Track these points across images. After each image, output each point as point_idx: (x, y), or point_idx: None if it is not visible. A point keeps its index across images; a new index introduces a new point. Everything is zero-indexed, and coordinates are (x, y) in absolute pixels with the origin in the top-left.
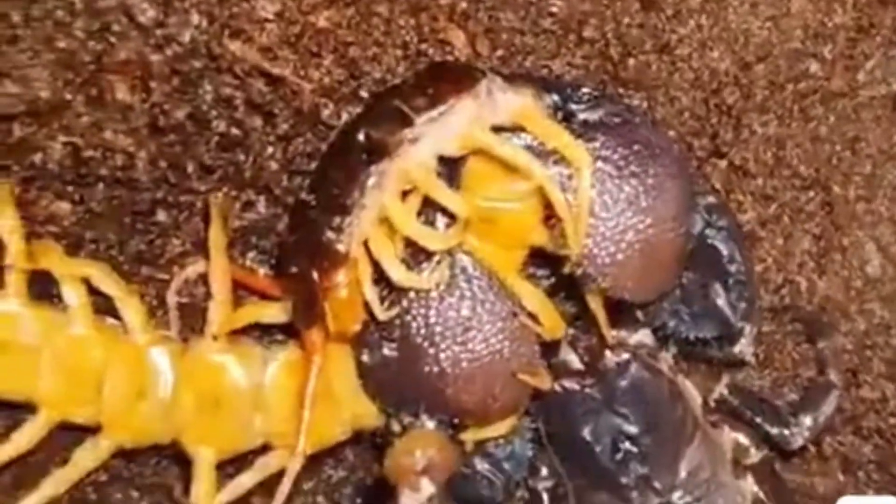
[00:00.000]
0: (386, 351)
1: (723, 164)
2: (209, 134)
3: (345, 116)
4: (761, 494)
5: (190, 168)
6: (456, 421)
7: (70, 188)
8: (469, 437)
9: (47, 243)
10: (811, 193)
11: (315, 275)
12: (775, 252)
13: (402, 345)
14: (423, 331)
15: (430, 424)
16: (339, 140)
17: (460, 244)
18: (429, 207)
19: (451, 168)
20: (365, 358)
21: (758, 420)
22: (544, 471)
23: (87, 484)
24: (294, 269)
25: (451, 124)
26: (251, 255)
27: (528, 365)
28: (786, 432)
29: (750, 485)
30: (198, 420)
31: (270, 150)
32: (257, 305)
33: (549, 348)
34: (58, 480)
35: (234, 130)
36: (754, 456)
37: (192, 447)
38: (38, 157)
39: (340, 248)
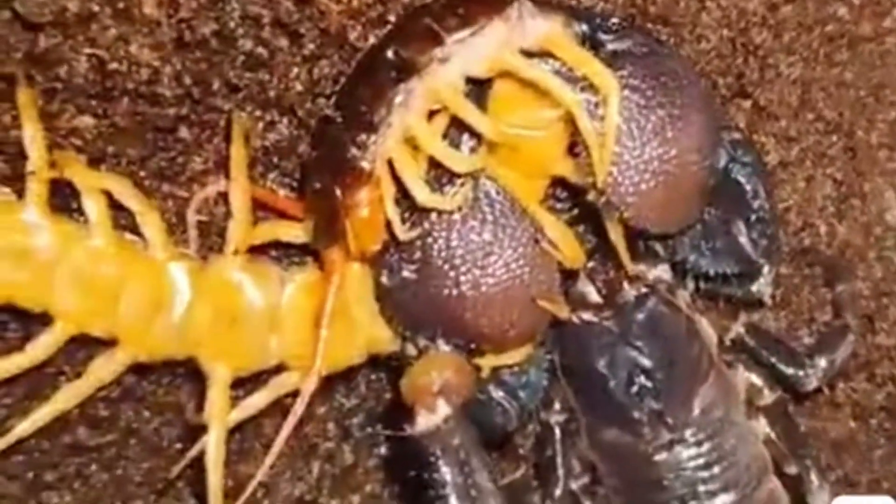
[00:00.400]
0: (405, 273)
1: (747, 104)
2: (235, 52)
3: (371, 39)
4: (773, 436)
5: (215, 85)
6: (472, 346)
7: (93, 102)
8: (484, 363)
9: (70, 154)
10: (834, 138)
11: (337, 191)
12: (796, 195)
13: (422, 267)
14: (443, 253)
15: (447, 349)
16: (367, 57)
17: (484, 169)
18: (453, 130)
19: (476, 95)
20: (384, 279)
21: (773, 360)
22: (557, 404)
23: (99, 400)
24: (316, 186)
25: (481, 46)
26: (272, 175)
27: (547, 292)
28: (800, 374)
29: (762, 426)
30: (214, 337)
31: (296, 70)
32: (277, 224)
33: (567, 280)
34: (71, 393)
35: (260, 49)
36: (768, 397)
37: (207, 364)
38: (62, 70)
39: (364, 165)
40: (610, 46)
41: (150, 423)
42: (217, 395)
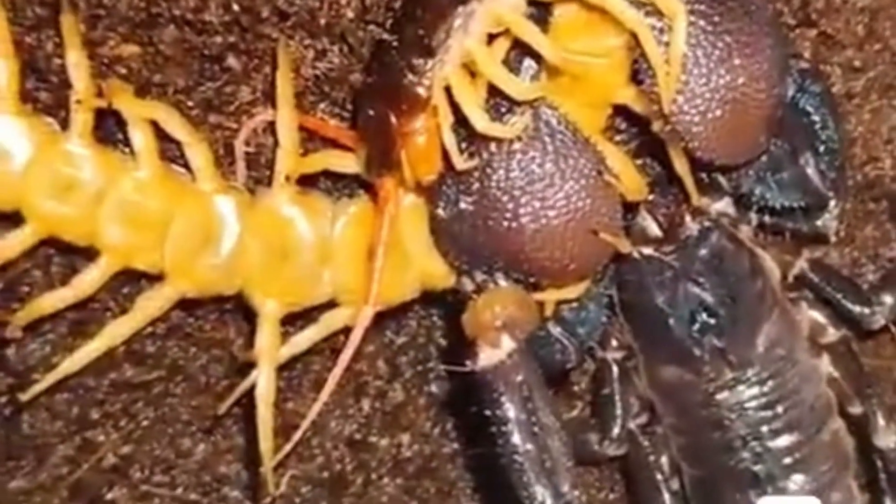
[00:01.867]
0: (462, 204)
1: (812, 33)
2: None
3: None
4: (836, 374)
5: (263, 13)
6: (531, 280)
7: (138, 30)
8: (543, 298)
9: (117, 82)
10: None
11: (393, 119)
12: (861, 127)
13: (480, 198)
14: (502, 184)
15: (504, 283)
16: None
17: (545, 97)
18: (514, 56)
19: (537, 21)
20: (440, 211)
21: (838, 298)
22: (615, 342)
23: (146, 336)
24: (370, 113)
25: None
26: (323, 105)
27: (608, 225)
28: (866, 311)
29: (825, 364)
30: (263, 272)
31: None
32: (328, 153)
33: (628, 214)
34: (117, 329)
35: None
36: (832, 335)
37: (256, 299)
38: None
39: (421, 91)
40: None
41: (197, 360)
42: (267, 331)
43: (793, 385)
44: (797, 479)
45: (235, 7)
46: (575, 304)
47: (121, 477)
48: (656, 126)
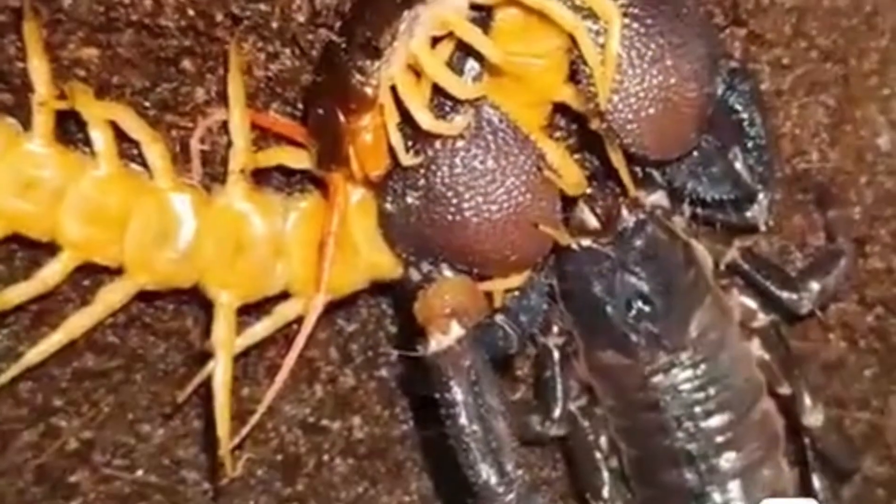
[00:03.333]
0: (409, 199)
1: (742, 32)
2: None
3: None
4: (766, 357)
5: (217, 17)
6: (475, 271)
7: (97, 34)
8: (486, 287)
9: (79, 84)
10: (827, 66)
11: (341, 116)
12: (789, 122)
13: (426, 193)
14: (447, 180)
15: (450, 273)
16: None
17: (486, 97)
18: (456, 58)
19: (479, 26)
20: (387, 205)
21: (767, 284)
22: (555, 328)
23: (106, 326)
24: (320, 112)
25: None
26: (275, 105)
27: (549, 218)
28: (794, 297)
29: (756, 347)
30: (219, 266)
31: (297, 2)
32: (279, 149)
33: (566, 208)
34: (79, 321)
35: None
36: (761, 320)
37: (212, 291)
38: (66, 2)
39: (368, 91)
40: None
41: (156, 349)
42: (223, 322)
43: (724, 368)
44: (729, 457)
45: (190, 12)
46: (517, 294)
47: (83, 461)
48: (593, 123)
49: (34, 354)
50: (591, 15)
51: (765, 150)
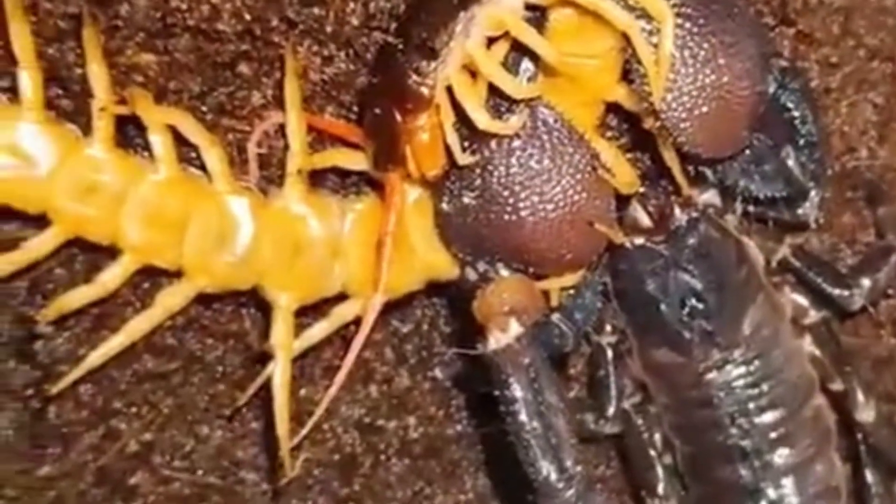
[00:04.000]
0: (465, 199)
1: (791, 31)
2: None
3: None
4: (818, 353)
5: (273, 22)
6: (531, 270)
7: (154, 39)
8: (542, 286)
9: (138, 89)
10: (875, 63)
11: (398, 116)
12: (838, 120)
13: (482, 193)
14: (503, 179)
15: (505, 273)
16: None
17: (541, 97)
18: (511, 58)
19: (534, 26)
20: (444, 205)
21: (818, 281)
22: (609, 327)
23: (165, 329)
24: (376, 112)
25: None
26: (330, 108)
27: (603, 217)
28: (846, 294)
29: (808, 344)
30: (277, 268)
31: (352, 5)
32: (336, 151)
33: (620, 207)
34: (140, 324)
35: None
36: (813, 316)
37: (271, 293)
38: (123, 8)
39: (425, 91)
40: None
41: (214, 351)
42: (282, 323)
43: (777, 364)
44: (782, 453)
45: (247, 16)
46: (572, 292)
47: (143, 463)
48: (647, 122)
49: (95, 357)
50: (645, 15)
51: (816, 148)
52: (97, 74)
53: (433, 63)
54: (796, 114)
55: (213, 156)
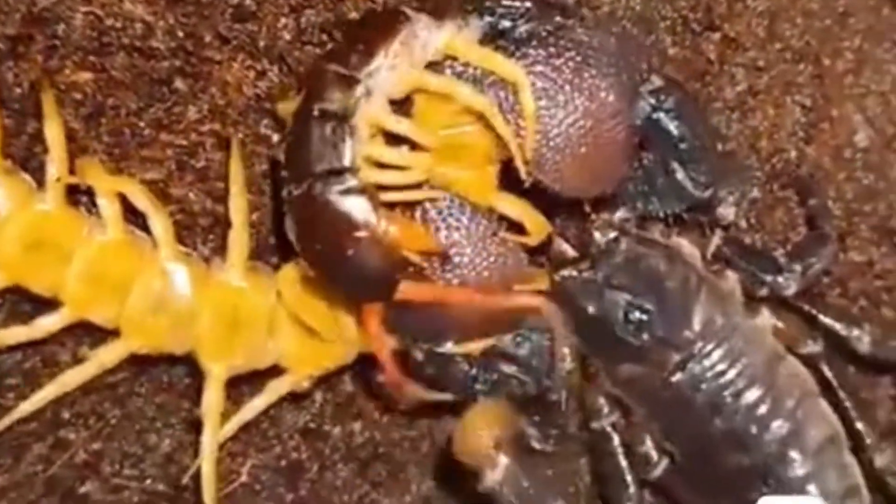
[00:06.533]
0: None
1: (716, 36)
2: (224, 5)
3: None
4: (779, 324)
5: (206, 38)
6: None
7: (91, 57)
8: (473, 347)
9: (90, 159)
10: (801, 66)
11: None
12: (766, 122)
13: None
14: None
15: (450, 346)
16: (302, 117)
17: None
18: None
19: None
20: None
21: (752, 269)
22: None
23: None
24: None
25: (390, 71)
26: (265, 122)
27: (519, 274)
28: (779, 279)
29: (766, 318)
30: (213, 337)
31: (283, 21)
32: None
33: (543, 245)
34: (72, 376)
35: (248, 1)
36: (764, 290)
37: (205, 362)
38: (60, 28)
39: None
40: (515, 33)
41: (160, 361)
42: (213, 391)
43: (739, 348)
44: (776, 424)
45: (180, 33)
46: (518, 339)
47: (92, 472)
48: (525, 180)
49: (28, 405)
50: (502, 80)
51: (702, 158)
52: (54, 141)
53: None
54: (675, 131)
55: (159, 223)
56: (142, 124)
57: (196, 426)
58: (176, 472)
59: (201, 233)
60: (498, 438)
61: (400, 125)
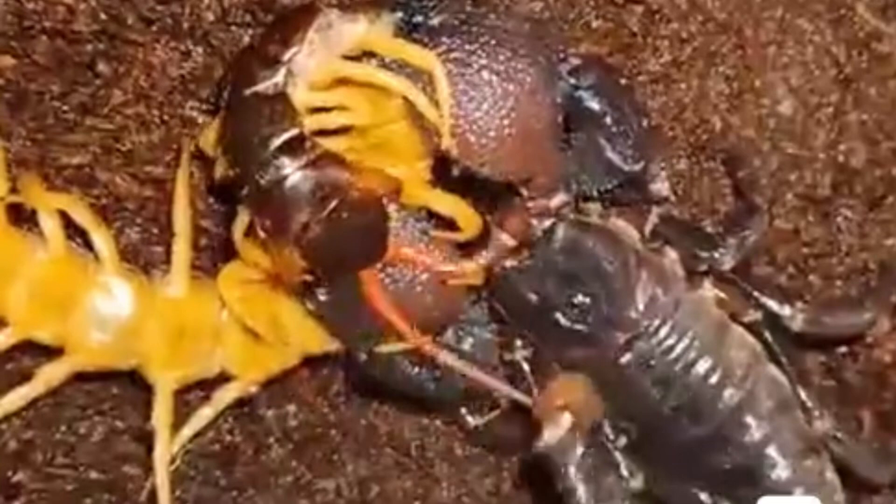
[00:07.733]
0: (321, 297)
1: (639, 9)
2: None
3: None
4: (722, 295)
5: (129, 20)
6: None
7: (13, 42)
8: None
9: (31, 177)
10: (724, 37)
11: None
12: (691, 93)
13: (331, 289)
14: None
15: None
16: (237, 111)
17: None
18: None
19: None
20: (308, 304)
21: (688, 246)
22: (518, 342)
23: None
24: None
25: (309, 58)
26: (190, 103)
27: (452, 271)
28: (715, 255)
29: (708, 290)
30: (158, 350)
31: (206, 1)
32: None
33: (483, 237)
34: (17, 396)
35: None
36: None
37: (152, 374)
38: None
39: None
40: (426, 24)
41: None
42: (162, 403)
43: (685, 323)
44: (728, 393)
45: (103, 16)
46: (460, 334)
47: (24, 461)
48: (453, 167)
49: None
50: (418, 70)
51: (628, 132)
52: None
53: None
54: (597, 107)
55: (101, 239)
56: (66, 109)
57: (128, 414)
58: (108, 460)
59: (129, 216)
60: (574, 405)
61: (325, 120)
